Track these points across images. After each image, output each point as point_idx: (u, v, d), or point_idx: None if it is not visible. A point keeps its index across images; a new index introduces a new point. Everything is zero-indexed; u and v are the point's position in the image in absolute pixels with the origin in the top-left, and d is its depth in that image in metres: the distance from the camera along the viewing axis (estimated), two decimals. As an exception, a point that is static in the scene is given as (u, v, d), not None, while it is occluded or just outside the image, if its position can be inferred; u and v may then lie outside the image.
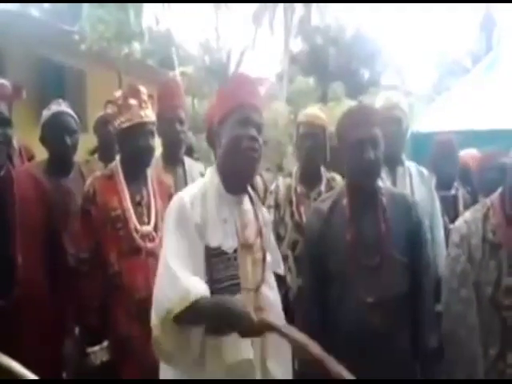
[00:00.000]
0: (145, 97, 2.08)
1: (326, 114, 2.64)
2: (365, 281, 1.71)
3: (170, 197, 2.13)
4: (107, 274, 1.98)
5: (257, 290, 1.52)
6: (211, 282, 1.43)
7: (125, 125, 2.04)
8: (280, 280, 1.72)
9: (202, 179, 1.62)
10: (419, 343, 1.77)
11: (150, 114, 2.08)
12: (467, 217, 1.85)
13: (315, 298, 1.81)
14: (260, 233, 1.57)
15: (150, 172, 2.18)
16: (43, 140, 2.51)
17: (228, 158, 1.52)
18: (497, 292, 1.72)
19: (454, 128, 4.46)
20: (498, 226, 1.76)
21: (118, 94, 2.10)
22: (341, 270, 1.74)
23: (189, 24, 35.48)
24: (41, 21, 8.17)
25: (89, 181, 2.11)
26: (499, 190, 1.84)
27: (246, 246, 1.52)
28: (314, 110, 2.67)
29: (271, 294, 1.57)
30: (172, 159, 2.56)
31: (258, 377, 1.46)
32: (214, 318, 1.34)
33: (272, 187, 2.69)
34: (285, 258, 2.47)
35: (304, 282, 1.97)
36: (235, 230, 1.50)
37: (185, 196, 1.49)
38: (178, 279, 1.35)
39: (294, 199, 2.54)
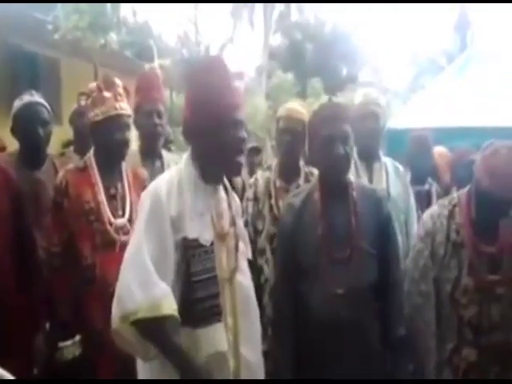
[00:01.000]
0: (120, 89, 2.05)
1: (305, 110, 2.65)
2: (335, 273, 1.74)
3: (143, 189, 2.15)
4: (80, 268, 1.96)
5: (231, 278, 1.53)
6: (188, 274, 1.43)
7: (99, 117, 2.00)
8: (250, 265, 1.74)
9: (177, 166, 1.59)
10: (388, 333, 1.81)
11: (125, 107, 2.05)
12: (434, 211, 1.86)
13: (286, 291, 1.84)
14: (233, 221, 1.59)
15: (125, 165, 2.15)
16: (14, 131, 2.43)
17: (214, 158, 1.51)
18: (456, 290, 1.74)
19: (428, 125, 4.54)
20: (462, 226, 1.77)
21: (92, 85, 2.06)
22: (312, 263, 1.77)
23: (167, 16, 35.00)
24: (14, 9, 7.92)
25: (61, 173, 2.07)
26: (467, 187, 1.85)
27: (222, 236, 1.53)
28: (294, 105, 2.65)
29: (245, 281, 1.60)
30: (150, 152, 2.53)
31: (232, 364, 1.49)
32: (172, 359, 1.38)
33: (251, 180, 2.68)
34: (263, 251, 2.51)
35: (276, 274, 2.00)
36: (211, 221, 1.50)
37: (161, 186, 1.47)
38: (150, 283, 1.35)
39: (272, 193, 2.53)
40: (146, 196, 1.48)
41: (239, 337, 1.53)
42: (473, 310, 1.71)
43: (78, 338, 1.93)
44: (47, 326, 2.06)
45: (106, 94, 2.00)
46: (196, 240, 1.45)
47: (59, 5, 8.43)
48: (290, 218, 1.84)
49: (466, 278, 1.72)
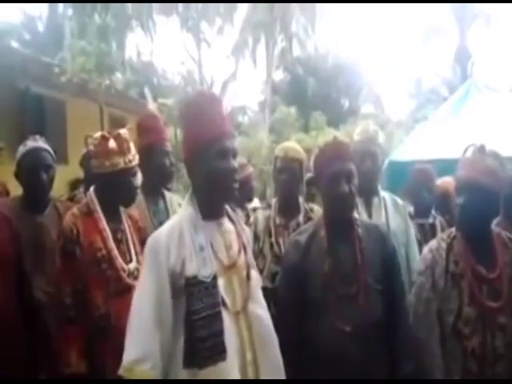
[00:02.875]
0: (126, 141, 2.01)
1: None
2: (342, 310, 1.73)
3: (139, 231, 2.14)
4: (94, 318, 1.89)
5: (245, 308, 1.50)
6: (188, 313, 1.41)
7: (107, 170, 1.98)
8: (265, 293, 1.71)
9: (179, 211, 1.61)
10: (395, 369, 1.78)
11: (132, 159, 2.02)
12: (433, 245, 1.89)
13: (290, 328, 1.81)
14: (244, 250, 1.58)
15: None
16: (18, 176, 2.44)
17: (208, 191, 1.52)
18: (458, 321, 1.74)
19: (432, 157, 4.54)
20: (461, 257, 1.80)
21: (97, 135, 2.03)
22: (318, 300, 1.77)
23: (171, 55, 36.00)
24: (21, 53, 8.17)
25: (68, 218, 1.99)
26: None
27: (232, 267, 1.52)
28: (290, 144, 2.68)
29: (260, 311, 1.56)
30: (154, 192, 2.52)
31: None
32: None
33: (251, 219, 2.68)
34: (264, 290, 2.46)
35: (278, 312, 1.95)
36: (213, 255, 1.48)
37: (161, 237, 1.47)
38: (133, 345, 1.38)
39: (272, 231, 2.53)
40: (146, 249, 1.48)
41: (260, 370, 1.48)
42: (476, 340, 1.71)
43: None
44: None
45: (111, 145, 1.97)
46: (195, 277, 1.42)
47: (66, 47, 8.68)
48: (296, 255, 1.85)
49: (467, 308, 1.73)
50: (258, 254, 2.51)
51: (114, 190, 2.00)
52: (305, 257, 1.83)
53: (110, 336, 1.85)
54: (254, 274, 1.59)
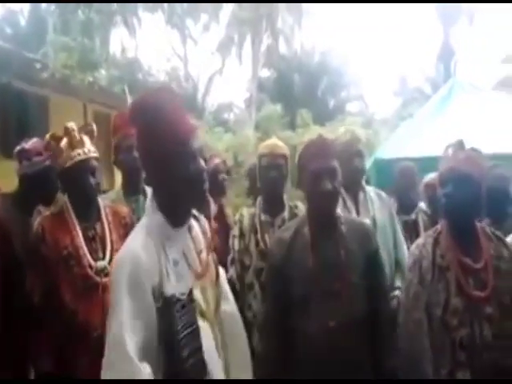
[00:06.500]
0: (75, 134, 2.01)
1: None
2: (326, 306, 1.76)
3: (124, 226, 2.13)
4: (62, 316, 1.91)
5: (217, 310, 1.48)
6: (168, 334, 1.30)
7: (61, 166, 2.00)
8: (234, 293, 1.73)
9: (143, 221, 1.44)
10: (379, 364, 1.82)
11: (84, 151, 2.01)
12: (420, 241, 1.94)
13: (277, 324, 1.84)
14: (210, 247, 1.52)
15: (104, 203, 2.14)
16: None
17: (178, 196, 1.39)
18: (446, 313, 1.77)
19: (416, 154, 4.58)
20: (446, 250, 1.84)
21: (47, 137, 2.05)
22: (303, 296, 1.79)
23: (156, 52, 35.66)
24: (2, 47, 8.01)
25: (37, 220, 2.06)
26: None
27: (205, 271, 1.46)
28: (274, 141, 2.68)
29: (228, 307, 1.57)
30: (132, 189, 2.53)
31: None
32: None
33: (236, 217, 2.69)
34: (251, 286, 2.50)
35: (266, 308, 1.99)
36: (187, 267, 1.40)
37: (137, 253, 1.31)
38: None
39: (258, 228, 2.54)
40: (122, 267, 1.30)
41: (230, 369, 1.48)
42: (464, 331, 1.75)
43: None
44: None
45: (62, 144, 1.99)
46: (173, 296, 1.32)
47: (48, 42, 8.53)
48: (281, 252, 1.87)
49: (454, 300, 1.77)
50: (245, 251, 2.53)
51: (73, 187, 2.02)
52: (289, 253, 1.85)
53: (79, 333, 1.88)
54: (220, 269, 1.57)
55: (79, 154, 1.98)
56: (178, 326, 1.31)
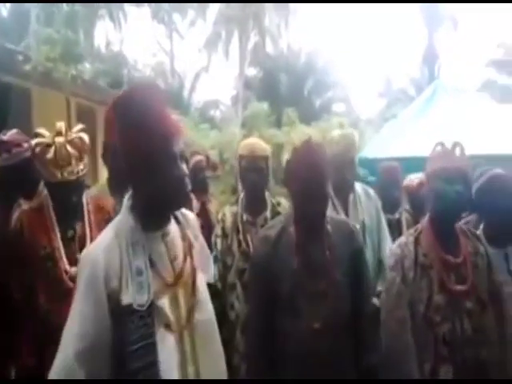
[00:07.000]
0: (62, 148, 1.86)
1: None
2: (311, 306, 1.74)
3: (107, 222, 2.07)
4: (39, 314, 1.86)
5: (189, 320, 1.38)
6: (121, 343, 1.26)
7: (45, 178, 1.90)
8: (216, 295, 1.68)
9: (114, 221, 1.41)
10: (360, 361, 1.82)
11: (69, 171, 1.87)
12: (401, 241, 1.95)
13: (261, 324, 1.83)
14: (189, 254, 1.43)
15: (87, 198, 2.06)
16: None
17: (158, 200, 1.34)
18: (428, 309, 1.80)
19: (400, 154, 4.62)
20: (428, 249, 1.87)
21: (32, 143, 1.92)
22: (287, 296, 1.76)
23: (142, 46, 35.34)
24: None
25: (16, 214, 1.96)
26: (427, 214, 1.96)
27: (178, 279, 1.38)
28: (254, 142, 2.63)
29: (203, 316, 1.43)
30: (117, 184, 2.47)
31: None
32: None
33: (219, 216, 2.65)
34: (233, 286, 2.48)
35: (249, 308, 1.97)
36: (156, 275, 1.34)
37: (98, 255, 1.28)
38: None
39: (240, 228, 2.51)
40: (81, 270, 1.30)
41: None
42: (446, 326, 1.78)
43: None
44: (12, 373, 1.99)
45: (48, 157, 1.84)
46: (130, 305, 1.26)
47: (31, 34, 8.36)
48: (266, 250, 1.85)
49: (437, 296, 1.80)
50: (227, 251, 2.51)
51: (56, 199, 1.94)
52: (274, 252, 1.82)
53: (55, 334, 1.81)
54: (199, 276, 1.44)
55: (63, 174, 1.86)
56: (132, 338, 1.26)
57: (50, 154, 1.84)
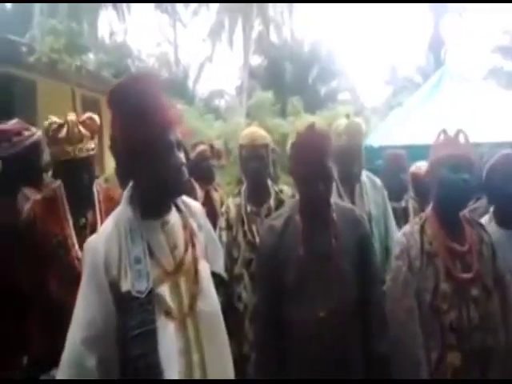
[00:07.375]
0: (75, 127, 1.94)
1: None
2: (317, 295, 1.74)
3: None
4: (51, 303, 1.88)
5: (192, 308, 1.38)
6: (123, 330, 1.29)
7: (56, 157, 1.94)
8: (223, 285, 1.67)
9: (116, 211, 1.43)
10: (370, 350, 1.81)
11: (81, 149, 1.94)
12: (406, 230, 1.95)
13: (269, 313, 1.83)
14: (191, 242, 1.44)
15: (98, 188, 2.08)
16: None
17: (156, 189, 1.35)
18: (435, 298, 1.80)
19: (405, 142, 4.60)
20: (434, 237, 1.87)
21: (46, 123, 1.97)
22: (294, 285, 1.77)
23: (146, 36, 35.17)
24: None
25: (29, 204, 1.99)
26: (431, 203, 1.95)
27: (179, 268, 1.39)
28: (254, 131, 2.61)
29: (208, 307, 1.42)
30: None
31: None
32: None
33: (223, 208, 2.64)
34: (240, 277, 2.48)
35: (257, 297, 1.98)
36: (155, 263, 1.35)
37: (98, 243, 1.33)
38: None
39: (244, 219, 2.51)
40: (85, 258, 1.35)
41: (207, 371, 1.39)
42: (453, 314, 1.78)
43: (54, 371, 1.86)
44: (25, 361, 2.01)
45: (61, 136, 1.91)
46: (129, 292, 1.29)
47: (35, 25, 8.36)
48: (272, 240, 1.85)
49: (443, 284, 1.80)
50: (233, 243, 2.50)
51: (68, 180, 1.97)
52: (280, 241, 1.83)
53: (64, 321, 1.84)
54: (202, 265, 1.44)
55: (75, 151, 1.92)
56: (131, 323, 1.28)
57: (63, 133, 1.91)
